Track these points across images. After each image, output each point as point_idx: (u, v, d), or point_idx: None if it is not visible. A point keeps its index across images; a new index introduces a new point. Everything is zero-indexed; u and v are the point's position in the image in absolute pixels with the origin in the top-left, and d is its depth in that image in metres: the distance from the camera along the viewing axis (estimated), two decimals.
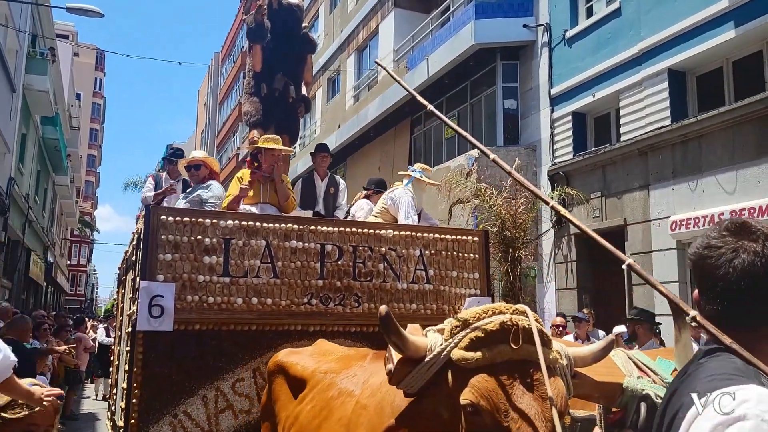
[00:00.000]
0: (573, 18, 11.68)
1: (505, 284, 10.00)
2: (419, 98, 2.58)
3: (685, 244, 9.21)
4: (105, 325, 13.57)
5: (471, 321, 1.70)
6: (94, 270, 69.28)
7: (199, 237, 3.55)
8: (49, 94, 17.76)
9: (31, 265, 20.47)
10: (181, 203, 4.89)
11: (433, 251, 4.02)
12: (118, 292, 6.43)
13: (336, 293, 3.75)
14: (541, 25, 12.28)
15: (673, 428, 1.12)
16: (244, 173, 4.88)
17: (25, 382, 2.19)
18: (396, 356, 1.76)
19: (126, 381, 3.54)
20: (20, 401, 2.15)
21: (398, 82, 2.81)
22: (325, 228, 3.84)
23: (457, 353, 1.65)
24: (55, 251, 30.20)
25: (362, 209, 5.71)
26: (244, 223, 3.68)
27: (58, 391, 2.35)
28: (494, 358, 1.61)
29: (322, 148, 6.12)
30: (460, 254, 4.09)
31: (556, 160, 11.67)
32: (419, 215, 5.18)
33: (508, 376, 1.58)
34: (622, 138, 10.32)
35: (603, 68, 10.71)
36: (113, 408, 5.15)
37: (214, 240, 3.58)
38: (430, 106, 2.47)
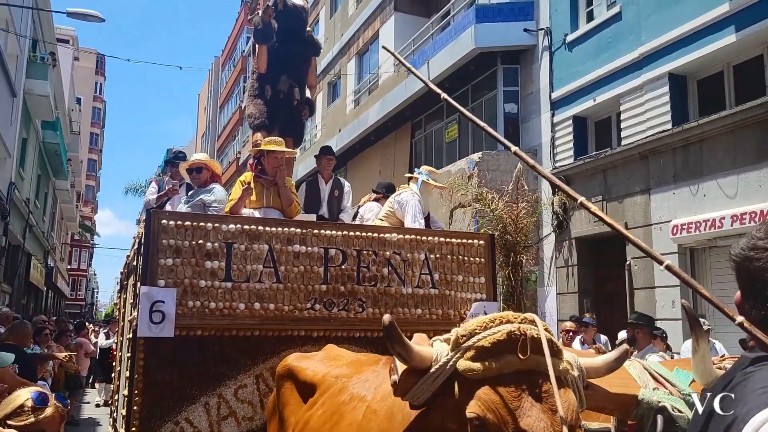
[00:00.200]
0: (573, 22, 11.69)
1: (507, 289, 9.97)
2: (432, 86, 2.53)
3: (686, 248, 9.21)
4: (105, 330, 13.56)
5: (477, 330, 1.65)
6: (95, 274, 69.25)
7: (200, 241, 3.52)
8: (50, 98, 17.75)
9: (32, 270, 20.42)
10: (183, 207, 4.85)
11: (438, 255, 3.98)
12: (119, 297, 6.39)
13: (340, 298, 3.71)
14: (542, 29, 12.29)
15: None
16: (247, 176, 4.85)
17: (28, 389, 2.17)
18: (401, 367, 1.71)
19: (127, 388, 3.50)
20: (26, 408, 2.13)
21: (410, 69, 2.76)
22: (328, 232, 3.80)
23: (463, 364, 1.61)
24: (56, 256, 30.15)
25: (371, 211, 5.64)
26: (246, 227, 3.64)
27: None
28: (501, 368, 1.56)
29: (327, 150, 6.04)
30: (465, 258, 4.04)
31: (557, 164, 11.66)
32: (427, 218, 5.13)
33: (516, 388, 1.53)
34: (623, 142, 10.31)
35: (604, 72, 10.71)
36: (115, 415, 5.12)
37: (216, 244, 3.54)
38: (444, 95, 2.42)
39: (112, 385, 6.93)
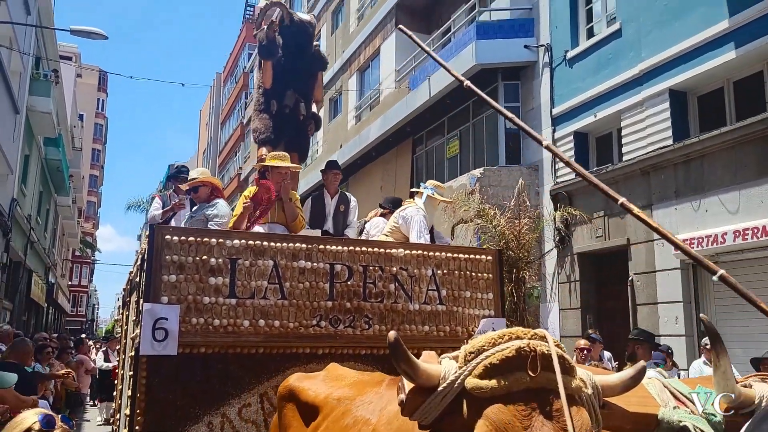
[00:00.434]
0: (574, 39, 11.76)
1: (509, 305, 9.93)
2: (454, 73, 2.51)
3: (688, 264, 9.17)
4: (104, 349, 13.29)
5: (486, 347, 1.59)
6: (95, 290, 68.97)
7: (204, 257, 3.48)
8: (52, 115, 17.82)
9: (33, 287, 20.35)
10: (187, 222, 4.83)
11: (445, 271, 3.94)
12: (122, 314, 6.35)
13: (346, 315, 3.67)
14: (542, 45, 12.37)
15: None
16: (251, 191, 4.83)
17: (34, 411, 2.14)
18: (408, 385, 1.65)
19: (129, 407, 3.45)
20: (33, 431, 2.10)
21: (430, 53, 2.76)
22: (334, 247, 3.76)
23: (471, 381, 1.55)
24: (57, 272, 30.08)
25: (377, 227, 5.59)
26: (250, 242, 3.60)
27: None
28: (511, 386, 1.50)
29: (333, 165, 5.98)
30: (473, 274, 4.00)
31: (559, 180, 11.67)
32: (431, 233, 5.09)
33: (526, 406, 1.48)
34: (624, 158, 10.32)
35: (604, 88, 10.76)
36: None
37: (220, 260, 3.51)
38: (467, 82, 2.40)
39: (113, 404, 6.86)
